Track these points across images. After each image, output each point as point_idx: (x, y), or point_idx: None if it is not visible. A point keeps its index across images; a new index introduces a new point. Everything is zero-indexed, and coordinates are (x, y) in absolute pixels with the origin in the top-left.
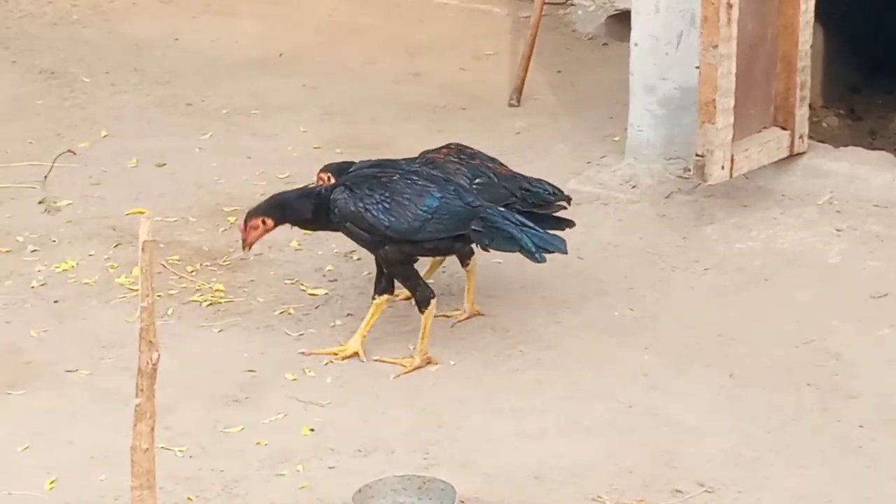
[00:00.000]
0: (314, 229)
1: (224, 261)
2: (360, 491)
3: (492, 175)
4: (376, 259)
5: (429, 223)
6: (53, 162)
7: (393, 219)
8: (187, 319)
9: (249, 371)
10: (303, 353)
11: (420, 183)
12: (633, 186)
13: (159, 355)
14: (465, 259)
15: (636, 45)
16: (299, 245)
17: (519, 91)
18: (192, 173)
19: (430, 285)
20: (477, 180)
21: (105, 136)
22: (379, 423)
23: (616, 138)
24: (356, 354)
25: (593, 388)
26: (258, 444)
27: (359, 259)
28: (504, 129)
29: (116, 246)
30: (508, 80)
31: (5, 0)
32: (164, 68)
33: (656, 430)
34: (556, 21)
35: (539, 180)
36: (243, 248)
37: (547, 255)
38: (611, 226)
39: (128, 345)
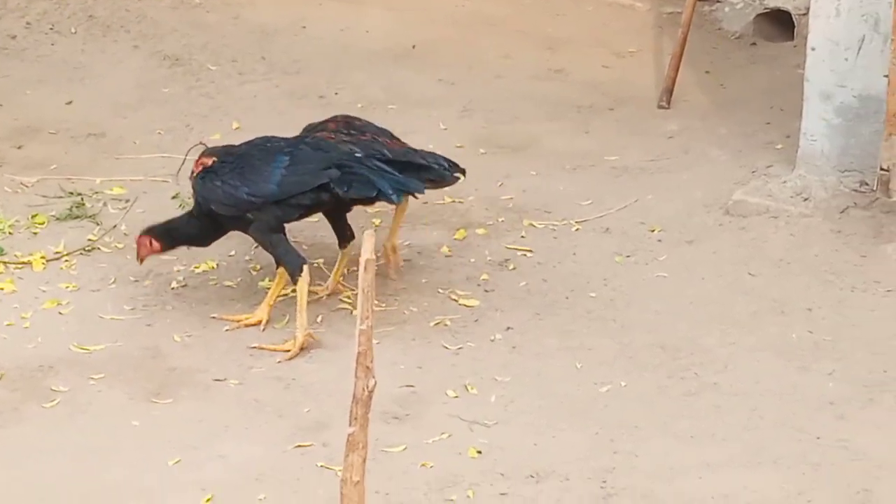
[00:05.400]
0: (208, 244)
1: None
2: None
3: (386, 152)
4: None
5: (285, 179)
6: (186, 155)
7: (249, 181)
8: (338, 327)
9: (408, 386)
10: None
11: (270, 144)
12: (805, 199)
13: (376, 382)
14: (344, 242)
15: (813, 49)
16: (450, 252)
17: (669, 92)
18: None
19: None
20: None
21: (237, 129)
22: (550, 446)
23: (778, 146)
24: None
25: (776, 416)
26: (423, 465)
27: (514, 268)
28: (655, 132)
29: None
30: (655, 80)
31: None
32: (293, 57)
33: (848, 465)
34: (702, 18)
35: (432, 154)
36: (137, 259)
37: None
38: (782, 241)
39: (277, 353)
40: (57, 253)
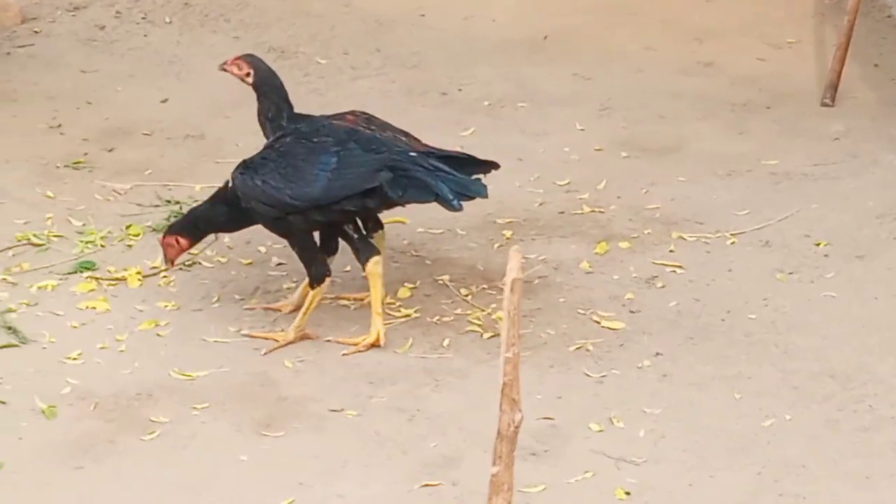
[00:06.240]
0: (236, 229)
1: (504, 283)
2: None
3: (411, 152)
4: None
5: (332, 182)
6: None
7: (292, 184)
8: (466, 353)
9: (546, 418)
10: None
11: (316, 140)
12: None
13: (523, 416)
14: (370, 231)
15: None
16: (591, 267)
17: (834, 87)
18: None
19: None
20: None
21: None
22: (707, 487)
23: None
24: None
25: None
26: None
27: (662, 286)
28: (818, 133)
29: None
30: (817, 74)
31: None
32: (411, 50)
33: None
34: (869, 5)
35: (461, 153)
36: (165, 263)
37: (466, 203)
38: None
39: (399, 381)
40: (154, 268)
